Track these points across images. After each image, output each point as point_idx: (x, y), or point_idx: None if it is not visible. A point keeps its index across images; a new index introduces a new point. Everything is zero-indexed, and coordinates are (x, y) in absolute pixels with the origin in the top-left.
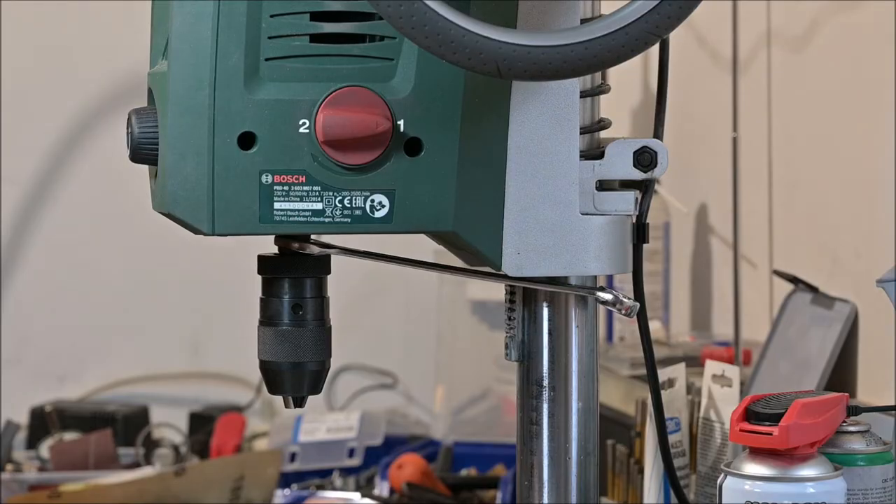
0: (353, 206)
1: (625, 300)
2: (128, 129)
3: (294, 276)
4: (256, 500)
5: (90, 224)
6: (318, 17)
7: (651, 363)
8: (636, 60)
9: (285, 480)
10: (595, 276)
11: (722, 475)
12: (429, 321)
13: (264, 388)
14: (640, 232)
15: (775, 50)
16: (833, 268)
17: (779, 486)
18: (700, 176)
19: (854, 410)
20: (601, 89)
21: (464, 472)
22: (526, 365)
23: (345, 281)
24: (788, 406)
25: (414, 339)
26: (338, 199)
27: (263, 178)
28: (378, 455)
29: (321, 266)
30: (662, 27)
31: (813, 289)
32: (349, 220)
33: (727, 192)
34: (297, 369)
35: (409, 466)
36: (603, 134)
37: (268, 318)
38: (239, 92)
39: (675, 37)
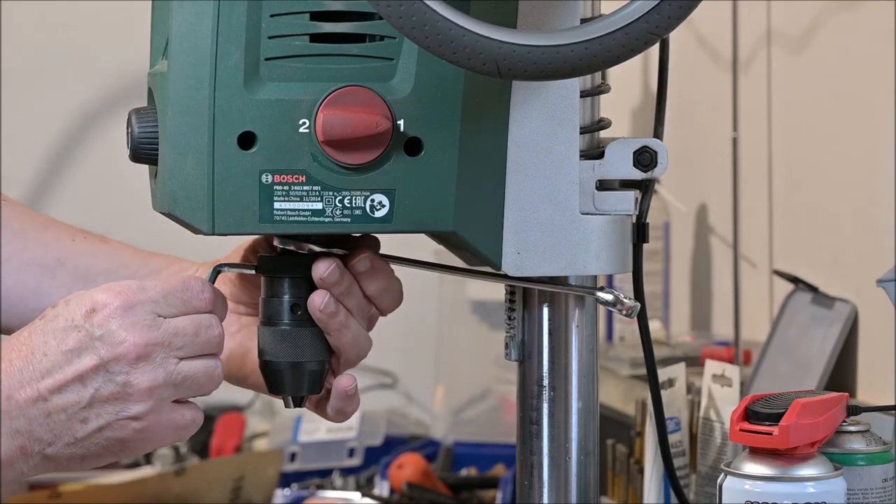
0: (353, 205)
1: (625, 300)
2: (128, 129)
3: (294, 276)
4: (256, 500)
5: (90, 224)
6: (318, 16)
7: (651, 363)
8: (636, 60)
9: (285, 480)
10: (595, 276)
11: (722, 475)
12: (429, 321)
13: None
14: (640, 232)
15: (775, 50)
16: (833, 268)
17: (779, 485)
18: (700, 176)
19: (854, 410)
20: (601, 89)
21: (464, 472)
22: (526, 365)
23: None
24: (788, 406)
25: (414, 339)
26: (338, 199)
27: (263, 178)
28: (378, 455)
29: None
30: (662, 27)
31: (813, 289)
32: (349, 219)
33: (727, 192)
34: (296, 369)
35: (409, 466)
36: (603, 134)
37: (267, 317)
38: (239, 92)
39: (675, 37)
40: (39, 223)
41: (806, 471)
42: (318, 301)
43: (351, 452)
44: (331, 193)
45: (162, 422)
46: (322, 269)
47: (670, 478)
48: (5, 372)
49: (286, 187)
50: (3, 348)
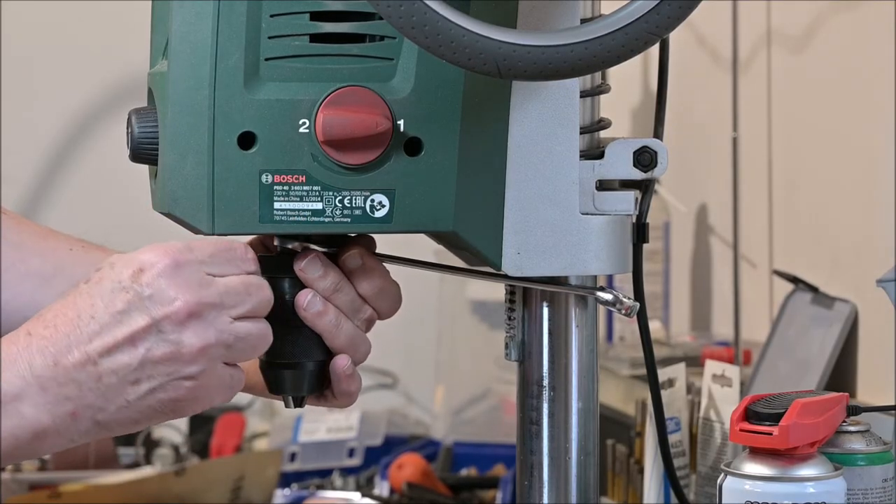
0: (353, 205)
1: (625, 300)
2: (128, 129)
3: (294, 275)
4: (256, 500)
5: (90, 224)
6: (318, 16)
7: (651, 363)
8: (636, 60)
9: (285, 480)
10: (595, 276)
11: (722, 475)
12: (429, 321)
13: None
14: (640, 232)
15: (775, 50)
16: (833, 268)
17: (779, 485)
18: (700, 176)
19: (854, 410)
20: (601, 89)
21: (464, 472)
22: (526, 365)
23: None
24: (788, 406)
25: (414, 339)
26: (338, 199)
27: (263, 178)
28: (378, 455)
29: None
30: (662, 27)
31: (813, 289)
32: (349, 219)
33: (727, 192)
34: (297, 369)
35: (409, 466)
36: (603, 134)
37: (268, 317)
38: (239, 92)
39: (675, 37)
40: (37, 233)
41: (806, 471)
42: (301, 300)
43: (351, 452)
44: (331, 193)
45: (213, 382)
46: (301, 262)
47: (670, 478)
48: (51, 338)
49: (286, 187)
50: (45, 315)
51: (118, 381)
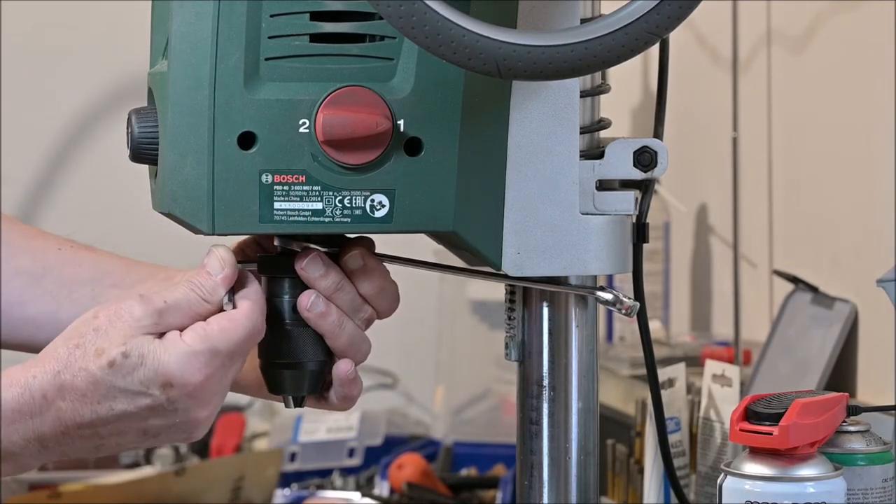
0: (353, 205)
1: (625, 300)
2: (128, 129)
3: (294, 275)
4: (256, 500)
5: (90, 224)
6: (318, 16)
7: (651, 363)
8: (636, 60)
9: (285, 480)
10: (595, 276)
11: (722, 475)
12: (429, 321)
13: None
14: (640, 232)
15: (775, 50)
16: (833, 268)
17: (779, 485)
18: (700, 176)
19: (854, 410)
20: (601, 89)
21: (464, 472)
22: (526, 365)
23: None
24: (788, 406)
25: (414, 339)
26: (338, 199)
27: (263, 178)
28: (378, 455)
29: None
30: (662, 27)
31: (813, 289)
32: (349, 219)
33: (727, 192)
34: (297, 369)
35: (409, 466)
36: (603, 134)
37: (267, 317)
38: (239, 92)
39: (675, 37)
40: (26, 233)
41: (806, 471)
42: (304, 301)
43: (351, 452)
44: (331, 193)
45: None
46: (302, 261)
47: (670, 478)
48: (67, 411)
49: (286, 187)
50: (63, 376)
51: (116, 444)
